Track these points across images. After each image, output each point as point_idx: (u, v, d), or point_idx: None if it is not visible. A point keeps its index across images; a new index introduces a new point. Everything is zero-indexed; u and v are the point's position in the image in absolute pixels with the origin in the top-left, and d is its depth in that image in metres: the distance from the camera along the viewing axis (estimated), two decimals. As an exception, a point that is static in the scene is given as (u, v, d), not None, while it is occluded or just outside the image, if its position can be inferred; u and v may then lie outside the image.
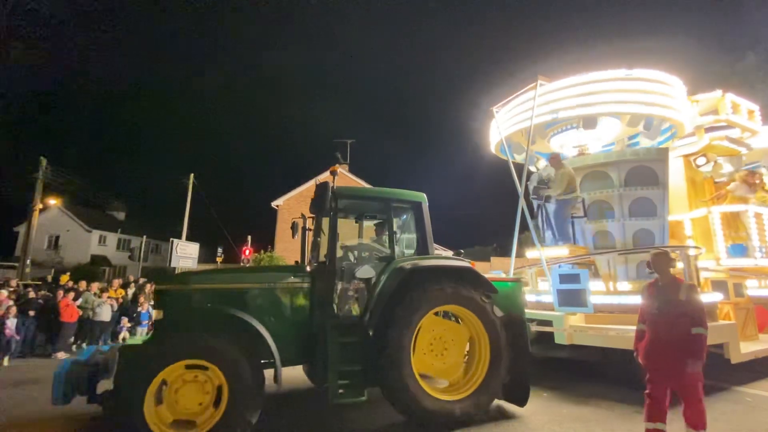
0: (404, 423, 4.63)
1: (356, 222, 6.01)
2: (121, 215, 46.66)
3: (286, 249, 24.79)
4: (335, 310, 4.87)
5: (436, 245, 5.99)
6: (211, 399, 3.94)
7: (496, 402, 5.18)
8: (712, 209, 8.00)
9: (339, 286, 5.06)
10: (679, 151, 8.58)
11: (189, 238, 25.34)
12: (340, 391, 4.39)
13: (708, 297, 6.55)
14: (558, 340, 6.15)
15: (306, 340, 4.74)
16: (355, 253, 5.60)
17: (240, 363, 3.93)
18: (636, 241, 7.69)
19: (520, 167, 7.91)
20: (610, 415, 5.05)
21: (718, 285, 7.79)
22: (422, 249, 5.53)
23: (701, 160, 8.37)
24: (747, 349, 6.76)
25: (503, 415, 5.05)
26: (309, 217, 5.44)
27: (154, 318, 4.42)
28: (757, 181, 8.24)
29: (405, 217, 5.93)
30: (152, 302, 9.03)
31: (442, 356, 5.02)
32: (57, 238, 38.64)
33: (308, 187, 27.38)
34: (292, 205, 28.38)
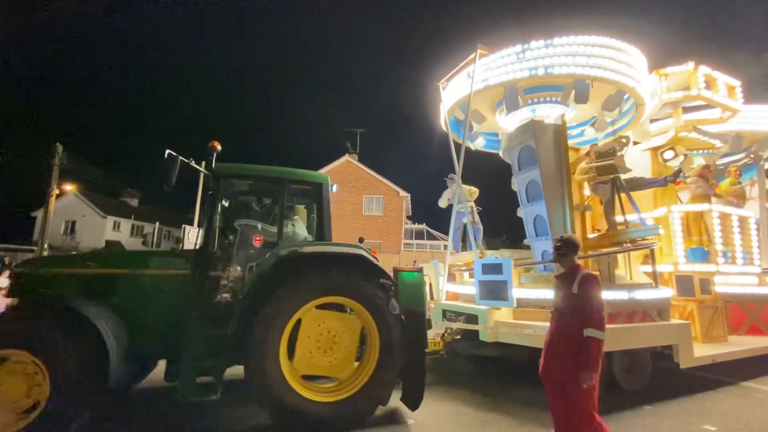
0: (274, 424, 4.22)
1: (257, 205, 5.57)
2: (134, 202, 47.75)
3: None
4: (207, 299, 4.48)
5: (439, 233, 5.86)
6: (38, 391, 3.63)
7: (393, 405, 4.71)
8: (672, 208, 7.24)
9: (222, 273, 4.66)
10: (645, 144, 7.79)
11: (201, 226, 25.60)
12: (192, 388, 4.01)
13: (655, 293, 5.84)
14: (482, 337, 5.60)
15: (175, 332, 4.37)
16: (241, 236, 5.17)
17: (63, 355, 3.59)
18: (537, 228, 6.90)
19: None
20: (514, 423, 4.50)
21: (683, 280, 7.04)
22: (320, 234, 5.08)
23: (668, 154, 7.55)
24: (704, 352, 6.06)
25: (388, 420, 4.57)
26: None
27: (9, 304, 4.12)
28: (711, 172, 7.45)
29: (307, 200, 5.46)
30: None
31: (331, 351, 4.57)
32: (73, 223, 39.92)
33: (317, 175, 27.91)
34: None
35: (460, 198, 7.28)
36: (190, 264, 4.54)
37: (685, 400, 5.26)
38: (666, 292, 6.03)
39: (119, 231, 41.83)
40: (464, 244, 8.58)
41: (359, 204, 31.04)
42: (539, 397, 5.14)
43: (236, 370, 4.34)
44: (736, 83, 7.63)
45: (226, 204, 5.24)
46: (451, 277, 7.58)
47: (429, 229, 38.14)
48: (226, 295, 4.59)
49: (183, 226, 23.10)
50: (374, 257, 4.90)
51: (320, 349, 4.51)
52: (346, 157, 32.05)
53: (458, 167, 6.92)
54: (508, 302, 5.33)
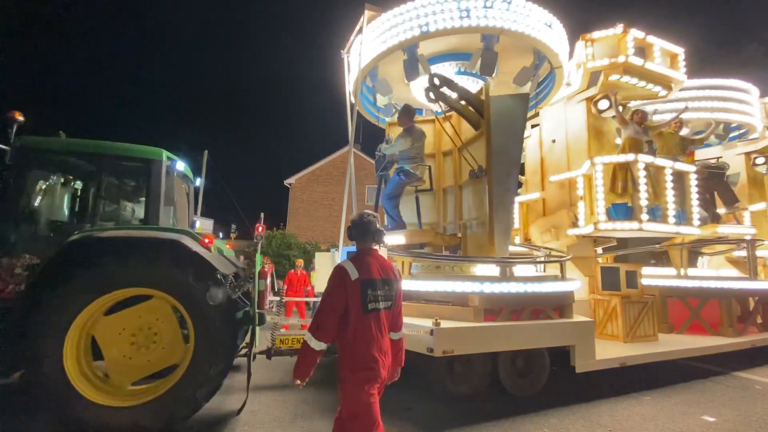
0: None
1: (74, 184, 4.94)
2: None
3: (299, 227, 25.67)
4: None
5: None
6: None
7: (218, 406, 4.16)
8: (595, 160, 6.31)
9: (16, 261, 4.13)
10: (581, 95, 6.90)
11: (204, 215, 25.56)
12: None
13: (554, 286, 5.08)
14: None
15: None
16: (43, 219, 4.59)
17: None
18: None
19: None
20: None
21: (608, 272, 6.24)
22: (147, 218, 4.50)
23: (603, 104, 6.64)
24: (619, 353, 5.31)
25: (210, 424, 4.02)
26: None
27: None
28: (644, 121, 6.58)
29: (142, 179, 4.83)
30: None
31: (155, 346, 4.03)
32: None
33: (320, 165, 27.70)
34: (305, 183, 28.30)
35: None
36: None
37: (684, 391, 5.20)
38: (569, 285, 5.26)
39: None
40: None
41: (362, 194, 30.39)
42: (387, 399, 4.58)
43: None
44: (679, 50, 6.65)
45: (29, 183, 4.62)
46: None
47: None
48: (18, 286, 4.05)
49: (187, 215, 23.13)
50: (203, 244, 4.31)
51: (135, 344, 3.98)
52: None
53: (351, 137, 6.14)
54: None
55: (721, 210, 8.14)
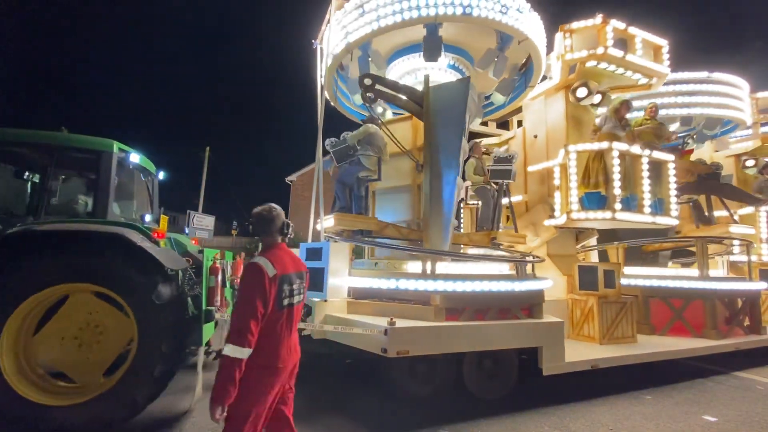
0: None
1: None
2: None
3: (301, 224, 25.13)
4: None
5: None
6: None
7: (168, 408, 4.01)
8: (569, 148, 6.11)
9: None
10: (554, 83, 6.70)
11: (206, 212, 25.49)
12: None
13: (523, 284, 4.88)
14: (315, 334, 4.79)
15: None
16: None
17: None
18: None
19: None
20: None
21: (585, 271, 6.03)
22: (95, 212, 4.37)
23: (581, 91, 6.41)
24: (582, 355, 5.11)
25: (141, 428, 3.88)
26: None
27: None
28: (627, 115, 6.29)
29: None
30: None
31: (103, 337, 3.92)
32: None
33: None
34: (306, 180, 28.18)
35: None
36: None
37: (686, 391, 5.18)
38: (539, 284, 5.05)
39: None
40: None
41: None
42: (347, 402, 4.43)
43: None
44: (663, 42, 6.39)
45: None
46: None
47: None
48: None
49: (188, 211, 23.05)
50: (152, 238, 4.18)
51: (91, 345, 3.88)
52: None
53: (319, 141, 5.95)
54: (322, 293, 4.50)
55: (744, 210, 8.14)
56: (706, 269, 6.59)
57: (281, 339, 2.24)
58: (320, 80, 6.50)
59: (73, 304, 3.85)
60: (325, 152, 6.05)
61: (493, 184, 6.39)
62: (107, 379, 3.83)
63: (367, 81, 5.38)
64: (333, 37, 5.78)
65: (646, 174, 6.01)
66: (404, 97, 5.57)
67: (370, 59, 5.83)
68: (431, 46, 5.23)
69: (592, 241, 7.67)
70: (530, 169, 7.34)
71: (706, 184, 7.72)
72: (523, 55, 6.00)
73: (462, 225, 9.33)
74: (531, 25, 5.60)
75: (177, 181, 33.05)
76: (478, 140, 7.57)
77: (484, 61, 5.69)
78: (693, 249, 8.59)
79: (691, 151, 8.45)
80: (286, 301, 2.29)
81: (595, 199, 5.83)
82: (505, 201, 6.65)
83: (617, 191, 5.82)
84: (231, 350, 2.05)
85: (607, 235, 7.83)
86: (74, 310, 3.87)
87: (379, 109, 7.41)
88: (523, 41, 5.56)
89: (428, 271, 4.69)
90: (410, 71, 6.37)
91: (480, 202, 6.84)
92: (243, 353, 2.06)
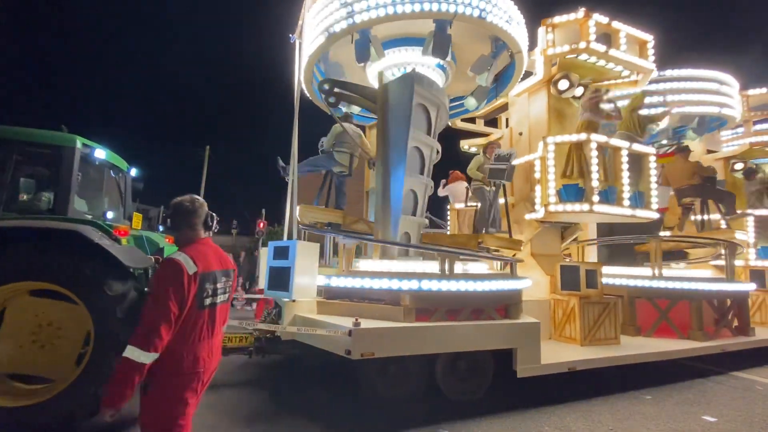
0: None
1: None
2: (139, 185, 48.33)
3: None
4: None
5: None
6: None
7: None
8: (547, 140, 6.00)
9: None
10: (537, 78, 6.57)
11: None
12: None
13: (500, 284, 4.74)
14: (280, 333, 4.68)
15: None
16: None
17: None
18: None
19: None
20: None
21: (567, 271, 5.89)
22: (54, 208, 4.26)
23: (563, 84, 6.30)
24: (560, 357, 4.97)
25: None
26: None
27: None
28: (602, 102, 6.11)
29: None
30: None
31: (62, 332, 3.80)
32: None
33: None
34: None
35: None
36: None
37: (686, 391, 5.19)
38: (515, 284, 4.92)
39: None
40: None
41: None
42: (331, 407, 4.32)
43: None
44: (648, 38, 6.25)
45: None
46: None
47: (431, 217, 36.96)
48: None
49: (188, 209, 23.05)
50: (113, 235, 4.08)
51: (53, 344, 3.77)
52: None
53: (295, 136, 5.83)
54: (288, 293, 4.38)
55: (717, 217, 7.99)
56: (731, 272, 6.63)
57: (201, 341, 2.11)
58: (297, 75, 6.38)
59: (11, 314, 3.74)
60: (310, 152, 6.07)
61: (491, 184, 6.32)
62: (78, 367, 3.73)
63: (326, 86, 5.49)
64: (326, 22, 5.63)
65: (626, 167, 5.87)
66: (360, 97, 5.62)
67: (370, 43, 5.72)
68: (441, 43, 5.20)
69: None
70: (514, 163, 7.22)
71: (708, 188, 7.77)
72: (501, 65, 5.92)
73: (449, 226, 9.21)
74: (523, 39, 5.64)
75: (177, 181, 32.96)
76: (493, 141, 7.54)
77: (478, 66, 5.65)
78: (688, 250, 8.51)
79: (689, 151, 8.27)
80: (208, 301, 2.15)
81: (573, 191, 5.73)
82: (501, 201, 6.58)
83: (595, 183, 5.71)
84: (133, 353, 1.84)
85: (604, 233, 7.79)
86: (17, 318, 3.73)
87: (344, 109, 7.31)
88: (517, 53, 5.60)
89: (390, 269, 4.63)
90: (398, 64, 6.24)
91: (479, 204, 6.76)
92: (148, 358, 1.87)
